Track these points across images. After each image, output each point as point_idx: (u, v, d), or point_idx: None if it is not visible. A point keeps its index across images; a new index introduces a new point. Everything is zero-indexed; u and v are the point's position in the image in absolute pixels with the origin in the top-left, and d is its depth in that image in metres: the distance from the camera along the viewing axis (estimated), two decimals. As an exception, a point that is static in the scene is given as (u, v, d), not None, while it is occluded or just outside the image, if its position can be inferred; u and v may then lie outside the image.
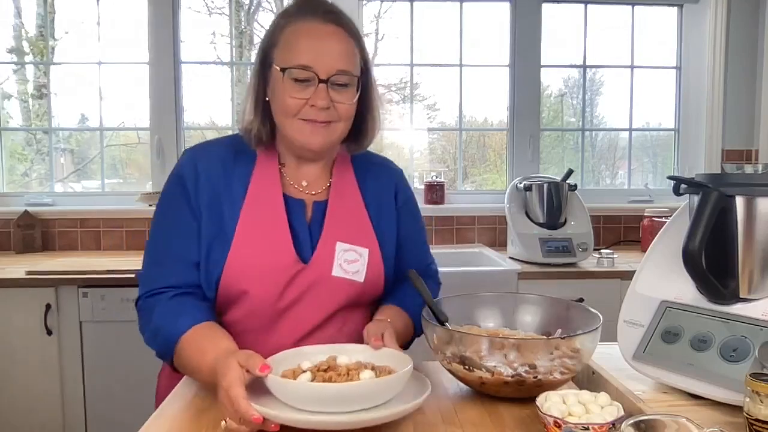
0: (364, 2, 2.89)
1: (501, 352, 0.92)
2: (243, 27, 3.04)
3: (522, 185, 2.51)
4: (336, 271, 1.09)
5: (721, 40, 2.79)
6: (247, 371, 0.84)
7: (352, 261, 1.11)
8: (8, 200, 2.77)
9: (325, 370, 0.87)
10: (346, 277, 1.10)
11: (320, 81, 1.04)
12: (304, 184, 1.15)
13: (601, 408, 0.79)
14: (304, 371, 0.87)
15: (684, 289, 0.94)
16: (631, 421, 0.70)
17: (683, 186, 0.93)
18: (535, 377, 0.91)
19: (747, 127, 2.89)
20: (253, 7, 3.06)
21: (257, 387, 0.85)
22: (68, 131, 2.94)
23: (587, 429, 0.74)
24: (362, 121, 1.15)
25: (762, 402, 0.69)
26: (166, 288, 1.06)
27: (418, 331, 1.18)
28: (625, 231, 2.90)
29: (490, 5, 2.94)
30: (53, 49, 2.89)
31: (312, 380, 0.84)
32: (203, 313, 1.03)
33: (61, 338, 2.11)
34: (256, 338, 1.07)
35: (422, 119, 3.08)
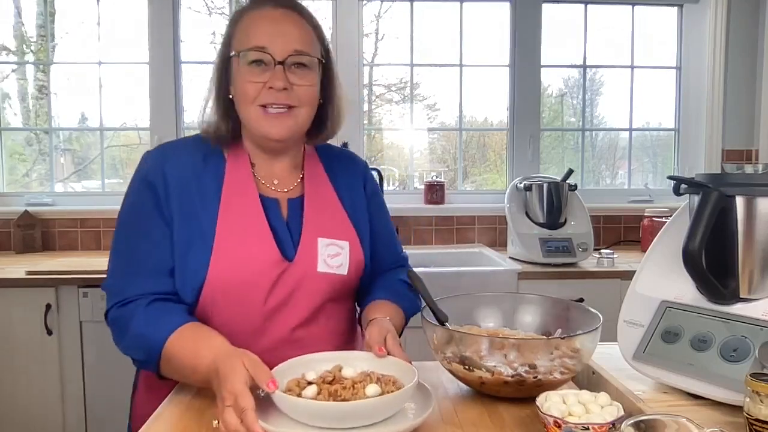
0: (364, 2, 2.89)
1: (501, 352, 0.93)
2: (243, 27, 3.03)
3: (522, 185, 2.51)
4: (321, 267, 1.10)
5: (721, 40, 2.79)
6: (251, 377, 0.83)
7: (334, 255, 1.12)
8: (8, 200, 2.77)
9: (330, 382, 0.87)
10: (331, 272, 1.11)
11: (277, 63, 1.04)
12: (276, 182, 1.15)
13: (601, 408, 0.79)
14: (309, 382, 0.87)
15: (684, 289, 0.94)
16: (631, 421, 0.70)
17: (683, 186, 0.93)
18: (535, 377, 0.91)
19: (747, 127, 2.89)
20: (253, 7, 3.06)
21: (257, 394, 0.85)
22: (68, 131, 2.94)
23: (587, 429, 0.74)
24: (323, 112, 1.15)
25: (762, 402, 0.69)
26: (140, 296, 1.02)
27: (408, 315, 1.20)
28: (625, 231, 2.90)
29: (490, 5, 2.94)
30: (53, 48, 2.89)
31: (318, 393, 0.85)
32: (185, 316, 1.01)
33: (61, 338, 2.11)
34: (245, 339, 1.03)
35: (422, 119, 3.08)
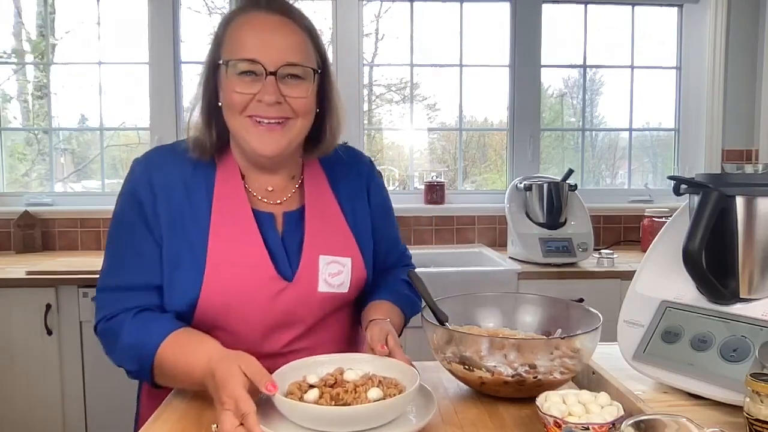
0: (364, 2, 2.89)
1: (501, 352, 0.92)
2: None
3: (522, 185, 2.51)
4: (322, 287, 1.06)
5: (721, 40, 2.79)
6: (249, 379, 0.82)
7: (335, 274, 1.07)
8: (8, 200, 2.77)
9: (332, 386, 0.87)
10: (331, 291, 1.07)
11: (268, 74, 0.97)
12: (270, 189, 1.09)
13: (601, 408, 0.79)
14: (310, 385, 0.87)
15: (684, 289, 0.94)
16: (631, 421, 0.70)
17: (683, 186, 0.93)
18: (535, 377, 0.91)
19: (747, 127, 2.89)
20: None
21: (256, 395, 0.85)
22: (68, 131, 2.94)
23: (587, 429, 0.74)
24: (320, 124, 1.08)
25: (762, 402, 0.69)
26: (126, 309, 1.00)
27: (408, 316, 1.18)
28: (625, 231, 2.90)
29: (490, 5, 2.94)
30: (53, 48, 2.89)
31: (320, 396, 0.84)
32: (175, 322, 0.98)
33: (61, 338, 2.11)
34: (244, 351, 1.00)
35: (422, 119, 3.08)
